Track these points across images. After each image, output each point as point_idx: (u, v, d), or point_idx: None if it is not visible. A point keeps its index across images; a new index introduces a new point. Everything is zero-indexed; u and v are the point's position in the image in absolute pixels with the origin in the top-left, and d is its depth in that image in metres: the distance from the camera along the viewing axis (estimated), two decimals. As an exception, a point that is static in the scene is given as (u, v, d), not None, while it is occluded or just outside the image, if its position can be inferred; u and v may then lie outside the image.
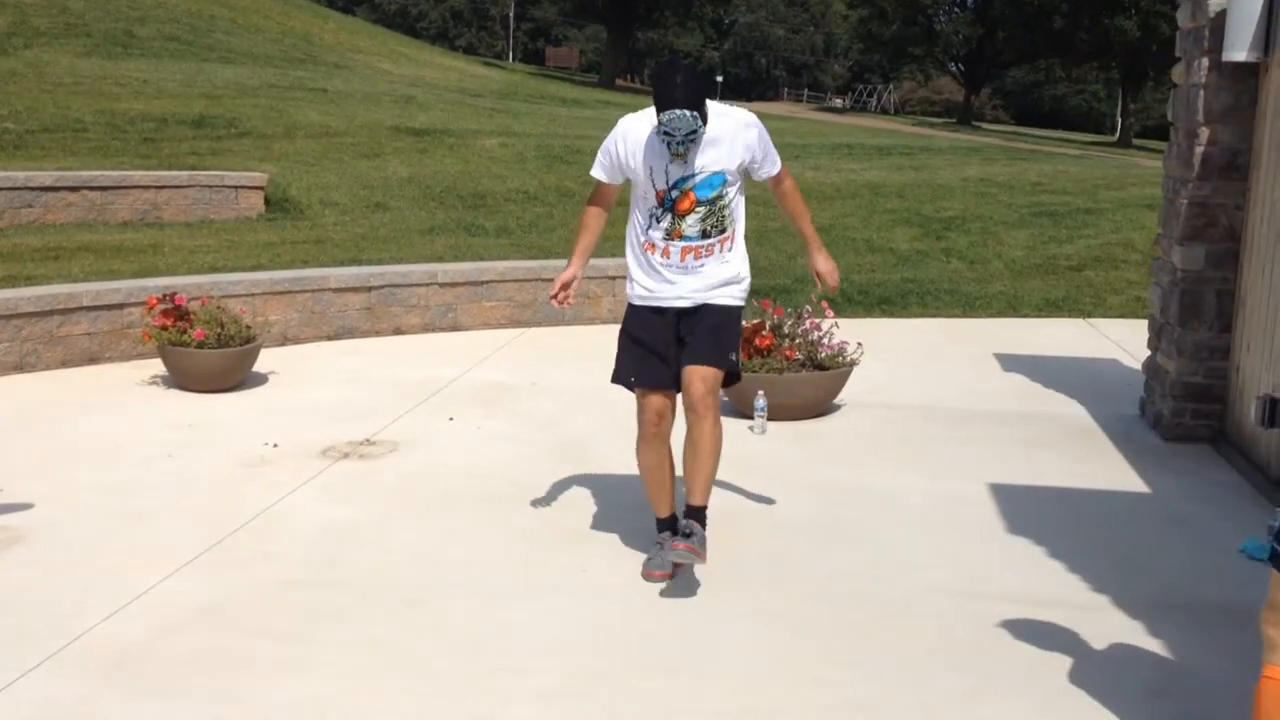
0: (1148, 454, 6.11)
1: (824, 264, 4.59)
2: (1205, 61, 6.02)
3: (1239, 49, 5.80)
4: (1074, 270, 11.84)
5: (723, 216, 4.29)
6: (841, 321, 7.07)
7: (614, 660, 3.77)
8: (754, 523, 5.04)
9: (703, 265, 4.32)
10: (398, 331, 8.84)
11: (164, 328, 6.88)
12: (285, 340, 8.28)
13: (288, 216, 11.31)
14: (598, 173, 4.50)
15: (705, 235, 4.29)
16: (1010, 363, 8.25)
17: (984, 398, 7.29)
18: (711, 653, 3.83)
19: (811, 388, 6.73)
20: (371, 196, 12.29)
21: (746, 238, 4.50)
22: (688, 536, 4.25)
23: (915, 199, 14.60)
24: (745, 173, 4.37)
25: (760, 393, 6.46)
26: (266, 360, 7.54)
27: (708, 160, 4.23)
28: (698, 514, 4.39)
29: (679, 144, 4.12)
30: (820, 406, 6.81)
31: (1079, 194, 16.11)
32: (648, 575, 4.42)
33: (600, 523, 5.01)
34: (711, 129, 4.21)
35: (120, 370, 7.38)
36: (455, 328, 9.04)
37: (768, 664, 3.74)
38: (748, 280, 4.48)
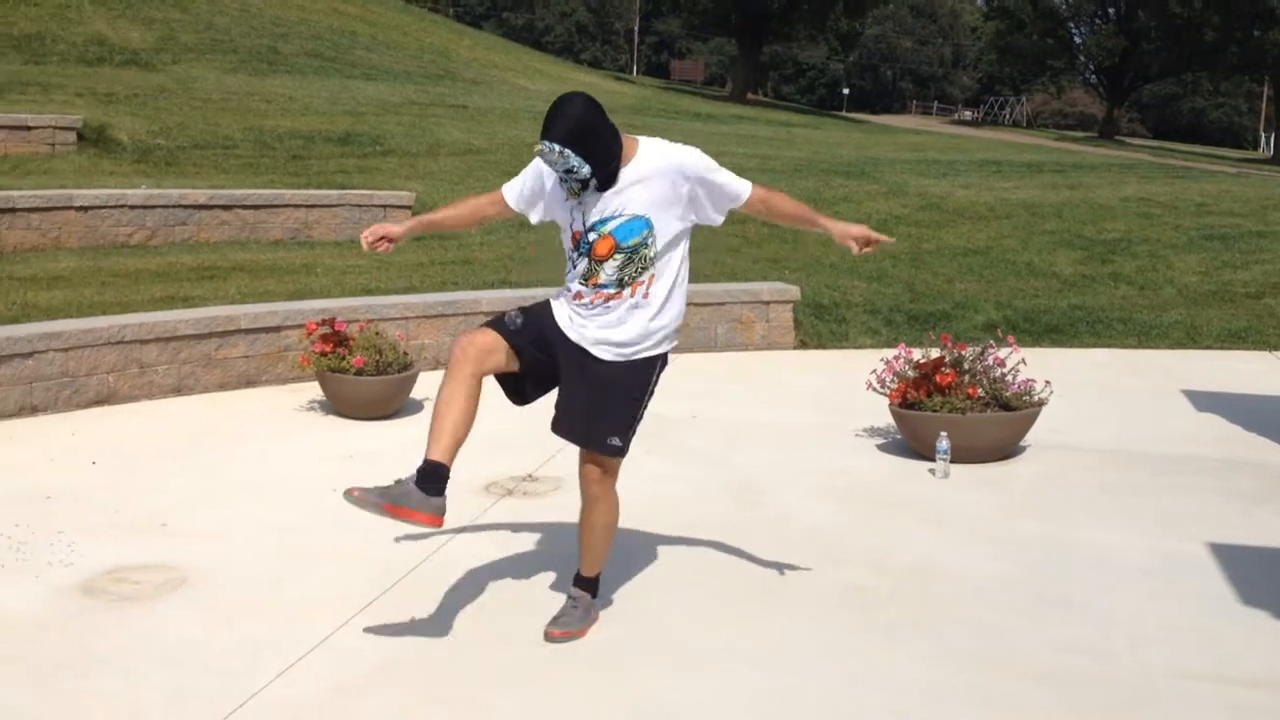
0: (1382, 512, 5.55)
1: (860, 229, 4.06)
2: None
3: None
4: (1253, 298, 11.14)
5: (643, 266, 3.85)
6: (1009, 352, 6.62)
7: (826, 745, 3.42)
8: (953, 585, 4.64)
9: (609, 308, 3.89)
10: (549, 356, 8.62)
11: (323, 354, 6.73)
12: (438, 365, 8.10)
13: (435, 236, 11.19)
14: (508, 184, 4.11)
15: (622, 284, 3.86)
16: (1201, 401, 7.70)
17: (1181, 441, 6.76)
18: (934, 740, 3.45)
19: (997, 429, 6.29)
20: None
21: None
22: (572, 608, 4.11)
23: (1075, 220, 13.96)
24: (686, 218, 3.87)
25: (943, 434, 6.05)
26: (421, 386, 7.34)
27: (628, 201, 3.80)
28: (588, 584, 4.16)
29: (563, 182, 3.79)
30: (1006, 449, 6.36)
31: (1248, 215, 15.27)
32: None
33: (787, 577, 4.66)
34: (637, 168, 3.81)
35: (277, 394, 7.27)
36: (607, 353, 8.79)
37: (1001, 757, 3.36)
38: (663, 333, 3.96)
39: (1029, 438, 6.54)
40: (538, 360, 3.97)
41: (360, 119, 15.69)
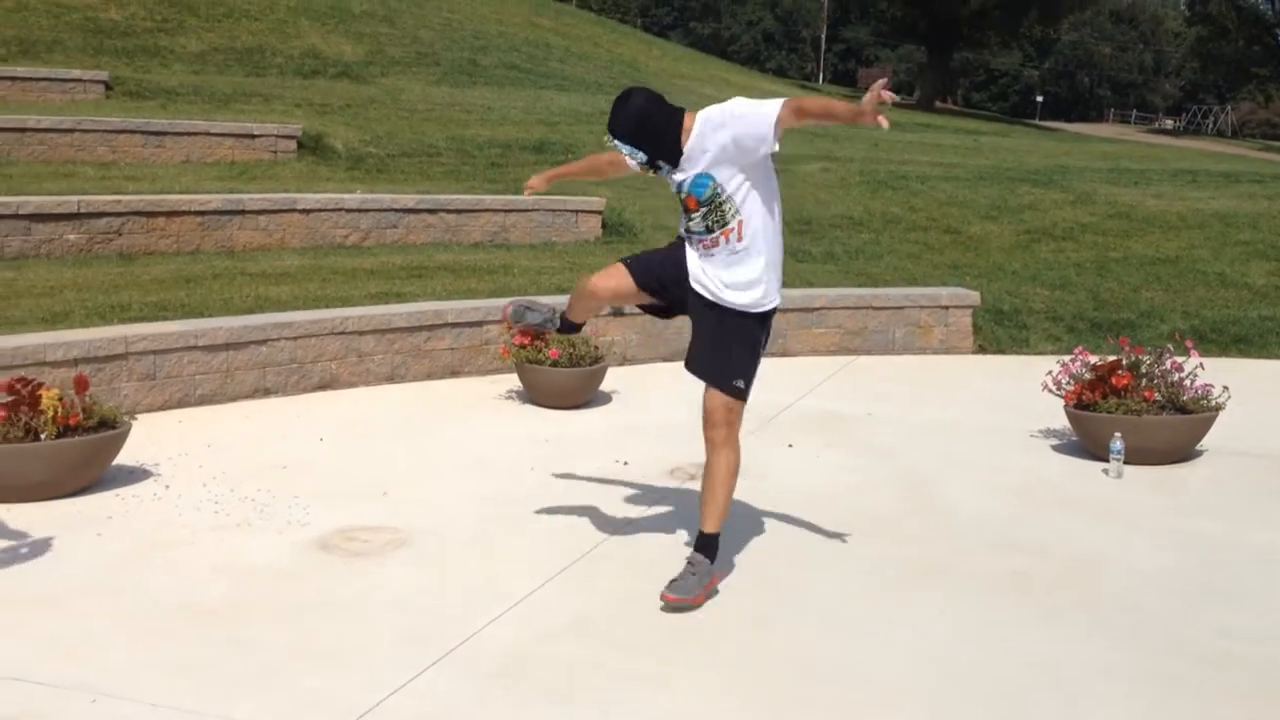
0: None
1: (868, 100, 3.96)
2: None
3: None
4: None
5: (724, 211, 4.37)
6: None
7: (976, 705, 3.70)
8: (1117, 575, 4.84)
9: (713, 254, 4.43)
10: (731, 355, 8.98)
11: (522, 346, 7.27)
12: (625, 360, 8.57)
13: (623, 239, 11.71)
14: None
15: (709, 230, 4.41)
16: (1392, 413, 7.59)
17: (1365, 451, 6.73)
18: (1086, 709, 3.70)
19: (1172, 432, 6.39)
20: (702, 221, 12.54)
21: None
22: (690, 574, 4.41)
23: (1271, 231, 13.62)
24: (742, 160, 4.30)
25: (1117, 434, 6.20)
26: (610, 380, 7.82)
27: (691, 166, 4.37)
28: (706, 543, 4.47)
29: (640, 165, 4.46)
30: (1181, 452, 6.46)
31: None
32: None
33: (950, 560, 4.94)
34: (692, 138, 4.33)
35: (478, 384, 7.85)
36: (785, 354, 9.11)
37: (1149, 725, 3.59)
38: (763, 290, 4.45)
39: (1205, 442, 6.62)
40: (667, 296, 4.63)
41: (554, 128, 16.36)
